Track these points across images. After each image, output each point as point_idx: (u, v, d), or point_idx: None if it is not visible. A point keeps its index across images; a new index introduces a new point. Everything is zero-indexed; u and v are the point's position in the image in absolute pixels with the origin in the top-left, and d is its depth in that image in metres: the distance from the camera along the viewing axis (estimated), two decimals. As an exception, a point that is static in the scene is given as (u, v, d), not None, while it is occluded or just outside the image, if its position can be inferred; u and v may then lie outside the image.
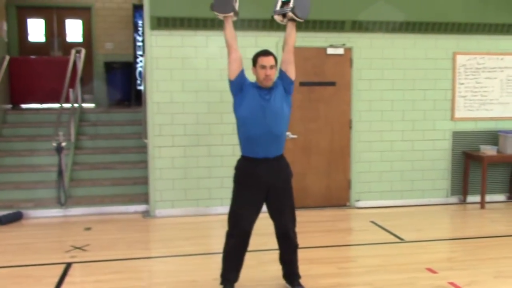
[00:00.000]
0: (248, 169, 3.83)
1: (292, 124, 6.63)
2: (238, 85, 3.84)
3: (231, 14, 3.92)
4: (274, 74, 3.83)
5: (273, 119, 3.78)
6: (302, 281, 4.06)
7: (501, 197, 7.29)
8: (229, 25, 3.89)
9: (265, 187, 3.82)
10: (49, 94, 8.73)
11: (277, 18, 4.03)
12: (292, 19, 3.95)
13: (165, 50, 6.33)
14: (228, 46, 3.86)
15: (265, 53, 3.86)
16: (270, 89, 3.86)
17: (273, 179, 3.83)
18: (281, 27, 6.39)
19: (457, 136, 7.07)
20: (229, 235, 3.85)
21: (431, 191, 7.06)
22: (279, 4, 3.98)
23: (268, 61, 3.80)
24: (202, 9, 6.19)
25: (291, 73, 3.96)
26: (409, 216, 6.51)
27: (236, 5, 3.94)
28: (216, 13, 3.91)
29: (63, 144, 6.57)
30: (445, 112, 7.01)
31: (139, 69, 10.04)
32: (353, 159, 6.83)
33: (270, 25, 6.41)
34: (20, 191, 6.69)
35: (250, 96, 3.80)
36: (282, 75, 3.95)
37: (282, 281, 4.16)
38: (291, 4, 3.91)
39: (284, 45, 4.01)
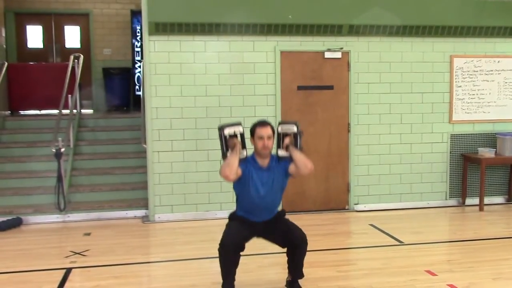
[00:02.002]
0: (242, 220, 4.01)
1: (291, 128, 6.66)
2: (238, 179, 3.94)
3: (241, 129, 3.96)
4: (271, 144, 3.95)
5: (269, 196, 3.96)
6: (302, 284, 4.07)
7: (499, 199, 7.30)
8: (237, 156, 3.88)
9: (259, 232, 4.04)
10: (47, 100, 8.74)
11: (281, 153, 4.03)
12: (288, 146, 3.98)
13: (163, 55, 6.36)
14: (233, 172, 3.83)
15: (263, 124, 3.99)
16: (269, 169, 3.97)
17: (266, 227, 4.01)
18: (278, 32, 6.47)
19: (455, 138, 7.09)
20: (220, 244, 3.87)
21: (429, 194, 7.07)
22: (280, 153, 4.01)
23: (265, 132, 3.92)
24: (200, 14, 6.26)
25: (295, 177, 4.08)
26: (408, 219, 6.52)
27: (245, 152, 3.97)
28: (228, 132, 3.94)
29: (62, 150, 6.57)
30: (442, 115, 7.03)
31: (137, 74, 10.06)
32: (352, 162, 6.85)
33: (267, 29, 6.44)
34: (19, 197, 6.69)
35: (249, 176, 3.92)
36: (287, 171, 4.00)
37: (281, 285, 4.18)
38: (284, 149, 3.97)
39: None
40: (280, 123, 4.11)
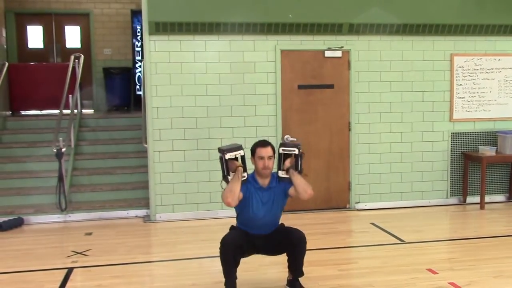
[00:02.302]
0: (244, 232, 4.03)
1: (291, 127, 6.68)
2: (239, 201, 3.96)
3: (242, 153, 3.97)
4: (272, 164, 3.97)
5: (269, 216, 4.00)
6: (303, 283, 4.07)
7: (500, 197, 7.30)
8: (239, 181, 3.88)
9: (258, 248, 4.07)
10: (48, 100, 8.75)
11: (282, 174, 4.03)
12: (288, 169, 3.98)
13: (163, 55, 6.36)
14: (235, 199, 3.84)
15: (263, 144, 4.01)
16: (269, 188, 4.00)
17: (265, 240, 4.04)
18: (278, 31, 6.48)
19: (456, 137, 7.09)
20: (220, 243, 3.87)
21: (430, 192, 7.07)
22: (281, 174, 4.01)
23: (266, 152, 3.95)
24: (200, 14, 6.27)
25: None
26: (409, 218, 6.53)
27: (246, 174, 3.97)
28: (228, 156, 3.94)
29: (63, 150, 6.58)
30: (443, 113, 7.03)
31: (138, 74, 10.07)
32: (353, 161, 6.85)
33: (267, 29, 6.45)
34: (21, 197, 6.70)
35: (249, 198, 3.95)
36: (286, 192, 4.02)
37: (282, 284, 4.18)
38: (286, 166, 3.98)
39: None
40: (281, 144, 4.11)
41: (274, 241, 4.03)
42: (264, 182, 4.00)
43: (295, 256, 4.01)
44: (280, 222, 4.17)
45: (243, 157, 3.99)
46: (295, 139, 6.50)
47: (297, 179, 3.91)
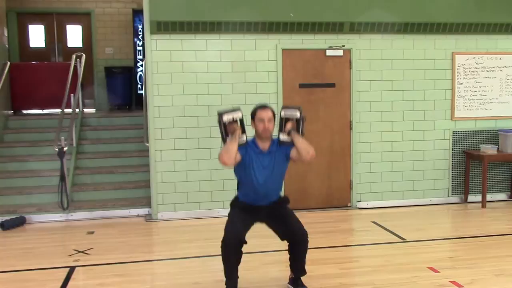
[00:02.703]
0: (244, 207, 4.01)
1: (293, 126, 6.67)
2: (238, 164, 3.93)
3: (240, 115, 3.94)
4: (272, 127, 3.95)
5: (270, 181, 3.96)
6: (305, 282, 4.08)
7: (502, 196, 7.30)
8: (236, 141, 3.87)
9: (261, 218, 4.04)
10: (50, 100, 8.75)
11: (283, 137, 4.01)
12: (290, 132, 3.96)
13: (165, 54, 6.37)
14: (231, 158, 3.81)
15: (263, 107, 4.00)
16: (269, 152, 3.97)
17: (269, 212, 4.01)
18: (279, 30, 6.48)
19: (457, 135, 7.09)
20: (222, 242, 3.87)
21: (432, 191, 7.07)
22: (282, 137, 4.00)
23: (266, 114, 3.93)
24: (201, 13, 6.27)
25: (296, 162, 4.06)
26: (410, 216, 6.53)
27: (245, 137, 3.95)
28: (226, 119, 3.91)
29: (65, 149, 6.59)
30: (445, 112, 7.03)
31: (139, 73, 10.08)
32: (354, 160, 6.85)
33: (269, 28, 6.45)
34: (23, 196, 6.72)
35: (249, 164, 3.93)
36: (288, 155, 4.00)
37: (284, 282, 4.19)
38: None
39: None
40: (283, 108, 4.07)
41: (277, 218, 3.98)
42: (264, 146, 3.97)
43: (297, 255, 4.01)
44: (285, 195, 4.10)
45: (242, 121, 3.95)
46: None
47: (299, 140, 3.88)
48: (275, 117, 3.99)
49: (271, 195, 4.02)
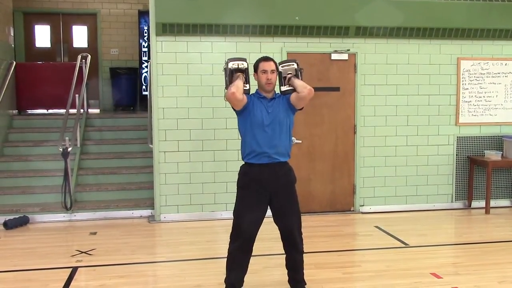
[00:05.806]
0: (251, 175, 3.90)
1: (297, 129, 6.65)
2: (243, 108, 3.93)
3: (246, 65, 4.03)
4: (275, 78, 3.96)
5: (276, 129, 3.88)
6: (307, 285, 4.08)
7: (506, 202, 7.27)
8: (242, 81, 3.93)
9: (267, 191, 3.88)
10: (55, 100, 8.79)
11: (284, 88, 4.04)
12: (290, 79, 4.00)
13: (170, 55, 6.38)
14: (240, 92, 3.82)
15: (266, 58, 4.01)
16: (273, 100, 3.95)
17: (275, 183, 3.89)
18: (285, 33, 6.48)
19: (462, 141, 7.08)
20: (232, 238, 3.88)
21: (435, 196, 7.05)
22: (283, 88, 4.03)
23: (269, 66, 3.94)
24: (207, 15, 6.28)
25: (298, 106, 3.99)
26: (413, 221, 6.51)
27: (248, 86, 4.00)
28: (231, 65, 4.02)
29: (69, 149, 6.60)
30: (449, 117, 7.02)
31: (144, 74, 10.10)
32: (358, 164, 6.84)
33: (274, 30, 6.45)
34: (27, 196, 6.73)
35: (253, 109, 3.90)
36: (289, 102, 3.96)
37: (287, 286, 4.17)
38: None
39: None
40: (280, 63, 4.10)
41: (282, 203, 3.92)
42: (267, 96, 3.96)
43: (294, 272, 4.03)
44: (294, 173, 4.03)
45: (246, 70, 4.02)
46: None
47: (297, 81, 3.90)
48: (277, 68, 4.00)
49: (279, 145, 3.88)
